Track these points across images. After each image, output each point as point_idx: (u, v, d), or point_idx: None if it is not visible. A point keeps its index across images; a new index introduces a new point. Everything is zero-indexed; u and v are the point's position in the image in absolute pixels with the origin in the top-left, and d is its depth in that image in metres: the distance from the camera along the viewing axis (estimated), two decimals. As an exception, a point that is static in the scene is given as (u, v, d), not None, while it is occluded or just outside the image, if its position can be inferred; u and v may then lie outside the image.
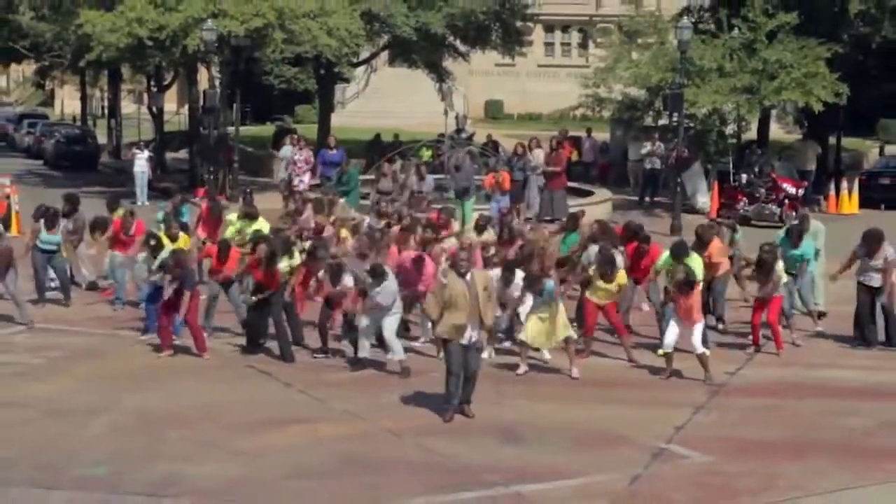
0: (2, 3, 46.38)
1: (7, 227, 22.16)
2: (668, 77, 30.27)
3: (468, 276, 12.21)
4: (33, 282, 17.90)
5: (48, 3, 37.71)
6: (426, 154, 30.95)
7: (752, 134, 35.14)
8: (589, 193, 30.35)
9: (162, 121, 44.04)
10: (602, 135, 38.16)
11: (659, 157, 31.90)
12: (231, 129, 34.34)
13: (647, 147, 32.42)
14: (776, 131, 39.02)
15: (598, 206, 27.17)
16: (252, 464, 10.81)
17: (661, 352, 14.41)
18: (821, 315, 17.01)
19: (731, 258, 16.84)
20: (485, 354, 13.54)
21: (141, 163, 33.03)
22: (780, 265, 15.46)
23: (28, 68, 72.65)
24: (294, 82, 47.83)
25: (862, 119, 42.25)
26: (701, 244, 16.04)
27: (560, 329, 14.07)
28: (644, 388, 13.84)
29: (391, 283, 14.01)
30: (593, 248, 15.66)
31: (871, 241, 15.66)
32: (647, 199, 32.08)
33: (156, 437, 11.57)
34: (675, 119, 28.66)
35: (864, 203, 30.96)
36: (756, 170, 30.17)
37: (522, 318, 14.52)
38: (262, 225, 17.50)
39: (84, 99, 58.98)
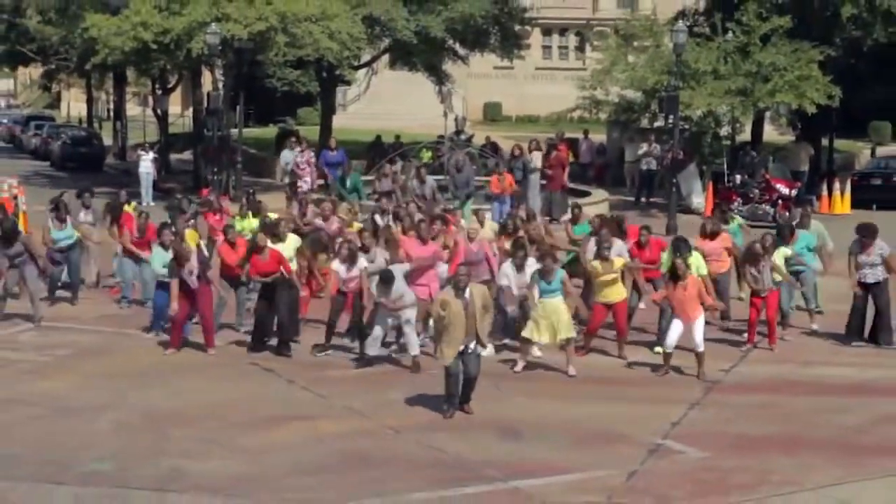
0: (10, 8, 46.65)
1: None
2: (664, 79, 30.49)
3: (467, 293, 12.21)
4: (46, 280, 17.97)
5: (55, 8, 37.94)
6: (426, 155, 31.06)
7: (746, 135, 35.32)
8: (586, 194, 30.54)
9: (166, 123, 44.31)
10: (599, 136, 38.28)
11: (655, 159, 32.16)
12: (234, 130, 34.54)
13: (643, 148, 32.67)
14: (770, 133, 39.18)
15: (595, 207, 27.31)
16: (255, 460, 10.88)
17: (657, 349, 14.57)
18: (814, 313, 17.10)
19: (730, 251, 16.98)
20: (487, 352, 13.61)
21: (146, 164, 33.29)
22: (778, 260, 15.61)
23: (35, 71, 72.92)
24: (296, 85, 47.98)
25: (854, 121, 42.40)
26: (708, 237, 16.26)
27: (563, 327, 14.11)
28: (641, 385, 13.94)
29: (400, 285, 14.16)
30: (592, 244, 15.79)
31: (865, 233, 15.75)
32: (643, 199, 32.33)
33: (161, 434, 11.65)
34: (670, 121, 28.88)
35: (857, 203, 31.13)
36: (750, 171, 30.40)
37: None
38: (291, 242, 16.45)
39: (90, 101, 59.39)
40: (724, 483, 10.51)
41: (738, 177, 30.22)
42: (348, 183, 25.63)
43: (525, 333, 14.33)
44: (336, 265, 14.93)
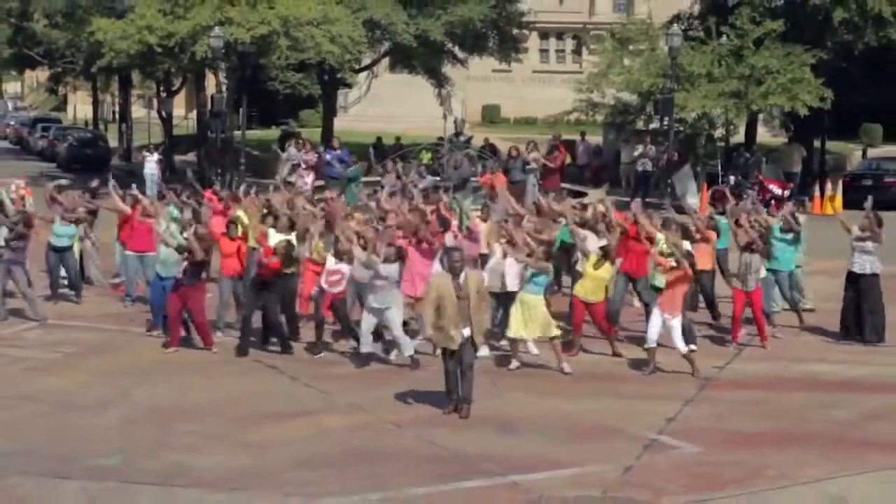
0: (17, 12, 46.85)
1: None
2: (659, 82, 30.75)
3: (461, 277, 12.18)
4: (47, 280, 18.16)
5: (61, 12, 38.14)
6: (426, 157, 31.20)
7: (739, 137, 35.54)
8: (583, 195, 30.69)
9: (171, 125, 44.52)
10: (595, 138, 38.46)
11: (650, 160, 32.34)
12: (237, 132, 34.72)
13: (638, 150, 32.83)
14: (763, 135, 39.41)
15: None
16: (258, 455, 10.97)
17: (645, 346, 14.76)
18: (801, 311, 17.16)
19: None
20: (483, 352, 13.71)
21: (151, 165, 33.58)
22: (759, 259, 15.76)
23: (42, 74, 72.91)
24: (298, 87, 48.10)
25: (846, 123, 42.45)
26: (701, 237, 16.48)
27: (542, 325, 14.12)
28: (636, 381, 14.05)
29: (390, 271, 14.25)
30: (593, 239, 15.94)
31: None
32: (638, 199, 32.48)
33: (165, 430, 11.73)
34: (665, 123, 29.14)
35: (848, 204, 31.26)
36: (744, 172, 30.64)
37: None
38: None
39: (96, 104, 59.63)
40: (718, 477, 10.60)
41: (732, 178, 30.43)
42: (349, 172, 26.48)
43: (510, 333, 14.38)
44: (329, 259, 15.02)
